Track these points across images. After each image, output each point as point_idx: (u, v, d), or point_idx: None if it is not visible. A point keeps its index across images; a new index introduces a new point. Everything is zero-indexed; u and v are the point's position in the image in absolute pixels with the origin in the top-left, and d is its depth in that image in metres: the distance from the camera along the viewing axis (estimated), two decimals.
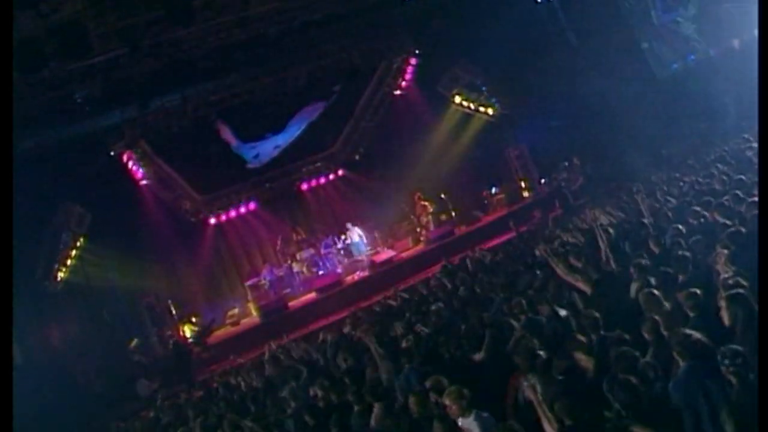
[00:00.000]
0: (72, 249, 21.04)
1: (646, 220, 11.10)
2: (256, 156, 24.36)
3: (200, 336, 19.96)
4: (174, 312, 21.51)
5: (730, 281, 6.30)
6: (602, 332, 7.18)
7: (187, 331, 20.43)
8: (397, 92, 24.50)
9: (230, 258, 24.69)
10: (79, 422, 16.55)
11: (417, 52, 22.67)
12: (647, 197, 12.77)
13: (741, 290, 5.89)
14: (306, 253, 24.26)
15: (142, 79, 19.14)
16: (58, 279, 20.37)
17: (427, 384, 7.44)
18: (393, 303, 14.67)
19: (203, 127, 21.70)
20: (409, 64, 23.36)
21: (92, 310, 20.44)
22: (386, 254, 21.82)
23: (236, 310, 22.64)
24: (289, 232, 25.17)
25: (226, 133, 22.85)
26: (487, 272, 13.57)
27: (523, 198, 23.64)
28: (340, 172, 26.57)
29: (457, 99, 24.96)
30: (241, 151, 23.86)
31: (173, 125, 20.09)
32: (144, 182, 21.89)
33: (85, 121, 19.42)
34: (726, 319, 5.86)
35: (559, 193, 19.70)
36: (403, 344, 9.83)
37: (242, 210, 25.31)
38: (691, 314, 6.44)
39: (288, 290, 23.35)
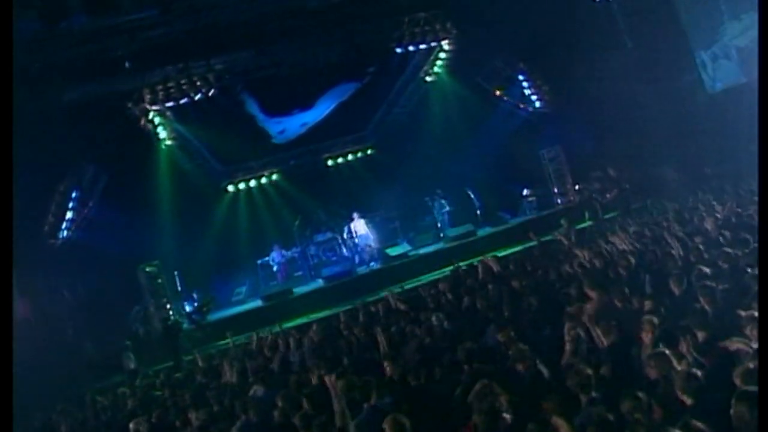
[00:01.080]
0: (83, 209, 20.46)
1: (673, 252, 9.84)
2: (282, 131, 23.41)
3: (196, 313, 19.16)
4: (178, 284, 20.78)
5: (751, 365, 5.03)
6: (593, 394, 6.03)
7: (187, 306, 19.65)
8: (433, 79, 23.22)
9: (246, 233, 23.80)
10: (59, 384, 15.82)
11: (457, 38, 21.33)
12: (680, 223, 11.49)
13: (756, 388, 4.60)
14: (323, 237, 23.38)
15: (170, 42, 18.38)
16: (65, 237, 19.77)
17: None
18: (393, 304, 13.55)
19: (228, 97, 20.71)
20: (448, 50, 22.06)
21: (96, 272, 19.72)
22: (403, 247, 20.74)
23: (244, 289, 21.85)
24: (309, 212, 24.36)
25: (252, 106, 21.88)
26: (496, 282, 12.43)
27: (554, 204, 22.28)
28: (368, 156, 25.54)
29: (498, 92, 23.68)
30: (266, 125, 22.91)
31: (197, 92, 19.13)
32: (162, 147, 21.10)
33: (106, 80, 18.67)
34: (733, 418, 4.62)
35: (590, 204, 18.37)
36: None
37: (264, 184, 24.52)
38: (689, 401, 5.24)
39: (299, 273, 22.54)
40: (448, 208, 22.67)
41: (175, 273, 20.84)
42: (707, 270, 8.25)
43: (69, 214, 19.67)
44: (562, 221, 17.69)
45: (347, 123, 24.33)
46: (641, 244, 11.16)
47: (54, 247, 19.45)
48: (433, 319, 10.87)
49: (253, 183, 24.36)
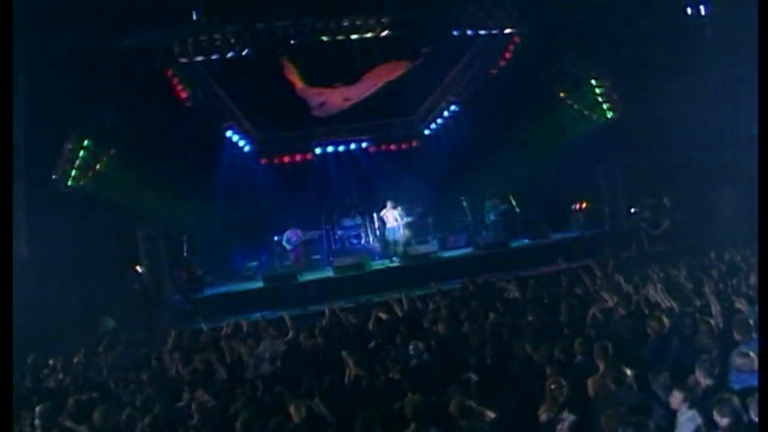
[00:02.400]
0: (101, 157, 19.23)
1: (713, 322, 7.69)
2: (323, 104, 21.65)
3: (187, 284, 17.70)
4: (185, 250, 19.35)
5: None
6: None
7: (184, 274, 18.21)
8: (494, 71, 21.06)
9: (271, 206, 22.24)
10: (31, 335, 14.56)
11: (525, 30, 19.14)
12: (729, 285, 9.30)
13: None
14: (351, 221, 21.65)
15: None
16: (75, 185, 18.57)
17: None
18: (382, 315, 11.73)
19: (266, 61, 19.08)
20: (514, 42, 19.87)
21: (103, 225, 18.41)
22: (426, 247, 18.78)
23: (255, 264, 20.31)
24: (341, 194, 22.65)
25: (292, 73, 20.19)
26: (501, 314, 10.47)
27: (603, 224, 19.95)
28: (413, 144, 23.63)
29: (562, 95, 21.40)
30: (306, 96, 21.19)
31: (229, 49, 17.55)
32: (189, 104, 19.66)
33: (135, 29, 17.38)
34: None
35: (637, 234, 16.06)
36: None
37: (298, 158, 22.91)
38: None
39: (317, 256, 20.88)
40: (503, 207, 20.51)
41: (183, 238, 19.37)
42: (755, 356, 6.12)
43: (80, 162, 18.49)
44: (605, 247, 15.60)
45: (394, 106, 22.42)
46: (680, 300, 8.97)
47: (63, 194, 18.30)
48: (411, 348, 9.03)
49: (287, 155, 22.75)
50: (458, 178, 21.87)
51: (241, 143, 21.93)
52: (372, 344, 10.08)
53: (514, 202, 20.36)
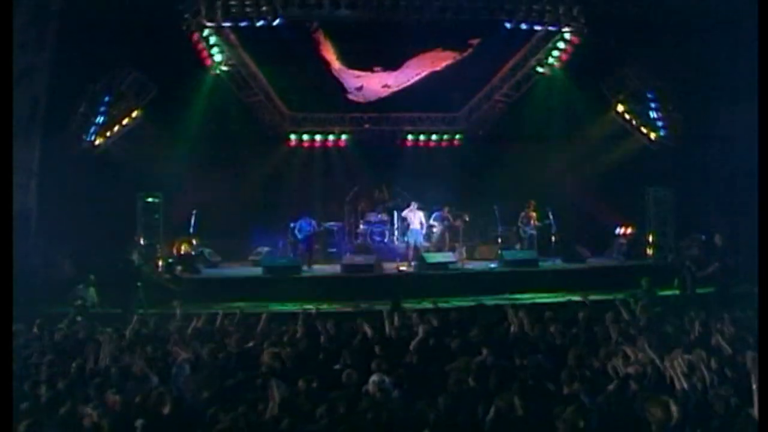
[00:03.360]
0: (122, 118, 18.11)
1: (753, 413, 5.85)
2: (360, 88, 20.06)
3: (181, 262, 16.37)
4: (192, 224, 18.04)
5: None
6: None
7: (184, 249, 16.87)
8: (546, 72, 19.17)
9: (294, 190, 20.88)
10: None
11: (584, 30, 17.19)
12: None
13: None
14: (377, 217, 20.08)
15: None
16: (92, 143, 17.49)
17: None
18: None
19: (300, 34, 17.56)
20: (572, 42, 17.96)
21: (113, 189, 17.30)
22: (445, 255, 17.05)
23: (265, 249, 18.89)
24: (371, 187, 21.10)
25: (328, 51, 18.66)
26: (497, 352, 8.76)
27: (646, 254, 17.92)
28: (455, 142, 21.90)
29: (620, 108, 19.37)
30: (342, 77, 19.65)
31: (259, 17, 16.11)
32: (215, 72, 18.33)
33: None
34: None
35: (680, 273, 14.03)
36: None
37: (329, 143, 21.42)
38: None
39: (334, 249, 19.38)
40: (546, 222, 18.52)
41: (193, 212, 18.07)
42: None
43: (97, 120, 17.36)
44: (642, 282, 13.69)
45: (438, 98, 20.69)
46: (713, 374, 7.12)
47: (77, 151, 17.22)
48: (371, 383, 7.40)
49: (318, 138, 21.30)
50: (494, 183, 20.07)
51: (270, 120, 20.53)
52: (337, 366, 8.47)
53: (551, 217, 18.41)
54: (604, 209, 19.07)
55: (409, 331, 10.17)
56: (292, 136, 21.13)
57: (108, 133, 17.97)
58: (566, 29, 17.23)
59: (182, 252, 16.82)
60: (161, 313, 12.49)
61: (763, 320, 4.97)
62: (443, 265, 16.19)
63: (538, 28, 17.20)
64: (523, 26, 16.92)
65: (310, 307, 12.28)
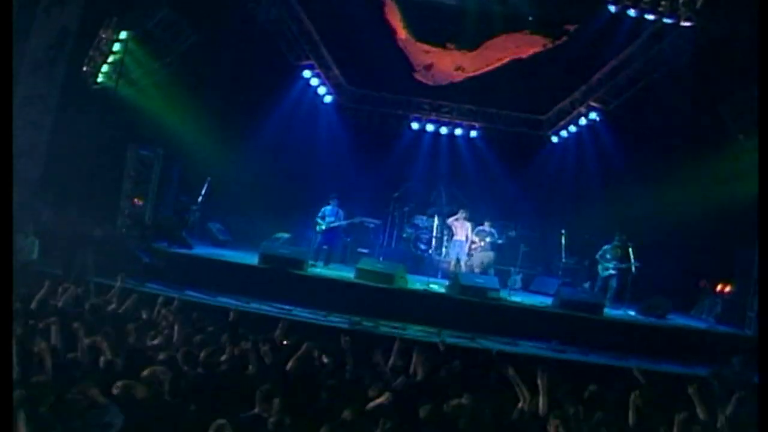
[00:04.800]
0: (141, 58, 15.55)
1: None
2: (429, 67, 16.93)
3: (164, 233, 13.66)
4: (203, 194, 15.36)
5: None
6: None
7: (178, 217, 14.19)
8: (656, 77, 15.42)
9: (334, 172, 17.88)
10: None
11: (714, 27, 13.36)
12: None
13: None
14: (425, 222, 16.92)
15: None
16: (107, 83, 15.06)
17: None
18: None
19: None
20: (693, 42, 14.23)
21: (121, 142, 14.97)
22: (485, 281, 13.54)
23: (286, 236, 16.05)
24: (426, 186, 17.97)
25: (395, 16, 15.70)
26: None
27: (743, 322, 13.82)
28: (535, 149, 18.33)
29: (741, 137, 15.26)
30: (409, 51, 16.56)
31: None
32: (263, 24, 15.68)
33: None
34: None
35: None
36: None
37: (388, 128, 18.30)
38: None
39: (365, 251, 16.34)
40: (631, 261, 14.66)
41: (208, 179, 15.40)
42: None
43: (113, 58, 14.94)
44: (734, 360, 10.12)
45: (520, 95, 17.29)
46: None
47: (89, 91, 14.91)
48: None
49: (375, 119, 18.27)
50: (568, 205, 16.56)
51: (321, 90, 17.66)
52: None
53: (632, 258, 14.66)
54: (700, 257, 15.19)
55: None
56: (346, 114, 18.21)
57: (133, 78, 15.63)
58: (686, 23, 13.49)
59: (175, 220, 14.09)
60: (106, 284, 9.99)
61: (764, 320, 4.63)
62: (480, 291, 12.76)
63: (650, 17, 13.53)
64: (631, 13, 13.36)
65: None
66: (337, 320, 11.25)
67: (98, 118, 14.92)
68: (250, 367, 7.04)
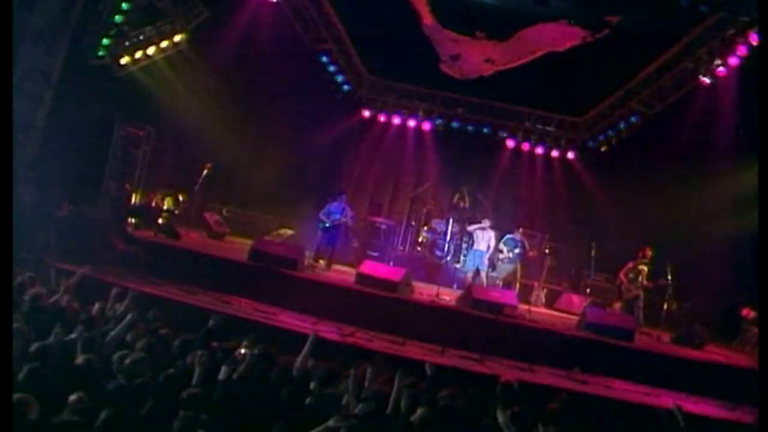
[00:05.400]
0: (162, 39, 14.47)
1: None
2: (456, 57, 15.40)
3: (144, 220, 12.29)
4: (202, 180, 14.01)
5: None
6: None
7: (167, 204, 12.79)
8: (707, 81, 13.70)
9: (349, 166, 16.71)
10: None
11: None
12: None
13: None
14: (442, 226, 15.41)
15: None
16: (107, 58, 13.92)
17: None
18: None
19: None
20: (747, 41, 12.49)
21: (122, 113, 13.78)
22: (510, 297, 11.94)
23: (290, 233, 14.69)
24: (447, 188, 16.48)
25: (420, 2, 14.19)
26: None
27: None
28: (568, 155, 16.73)
29: None
30: (435, 38, 15.06)
31: None
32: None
33: None
34: None
35: None
36: None
37: (411, 123, 16.87)
38: None
39: (375, 254, 14.86)
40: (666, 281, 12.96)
41: (208, 166, 14.05)
42: None
43: (113, 30, 13.75)
44: None
45: (554, 93, 15.69)
46: None
47: (89, 66, 13.71)
48: None
49: (398, 120, 16.83)
50: (602, 216, 14.95)
51: (339, 78, 16.28)
52: None
53: (670, 277, 12.96)
54: (745, 283, 13.39)
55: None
56: (366, 110, 16.82)
57: (138, 55, 14.43)
58: (745, 18, 11.77)
59: (162, 206, 12.71)
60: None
61: (764, 320, 4.04)
62: (495, 307, 11.17)
63: (703, 8, 11.85)
64: (702, 7, 11.64)
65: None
66: (326, 329, 9.78)
67: (96, 94, 13.81)
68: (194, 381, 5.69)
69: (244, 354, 6.58)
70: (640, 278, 12.88)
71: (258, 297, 10.64)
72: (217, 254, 11.82)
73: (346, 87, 16.43)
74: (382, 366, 7.89)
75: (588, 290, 13.77)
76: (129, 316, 6.94)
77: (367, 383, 6.40)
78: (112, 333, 6.66)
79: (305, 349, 6.44)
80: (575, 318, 12.70)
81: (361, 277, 11.48)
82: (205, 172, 13.77)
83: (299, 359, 6.39)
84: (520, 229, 13.93)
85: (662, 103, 14.95)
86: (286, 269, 11.18)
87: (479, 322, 10.90)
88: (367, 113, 16.84)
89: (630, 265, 12.96)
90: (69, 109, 13.48)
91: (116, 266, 10.51)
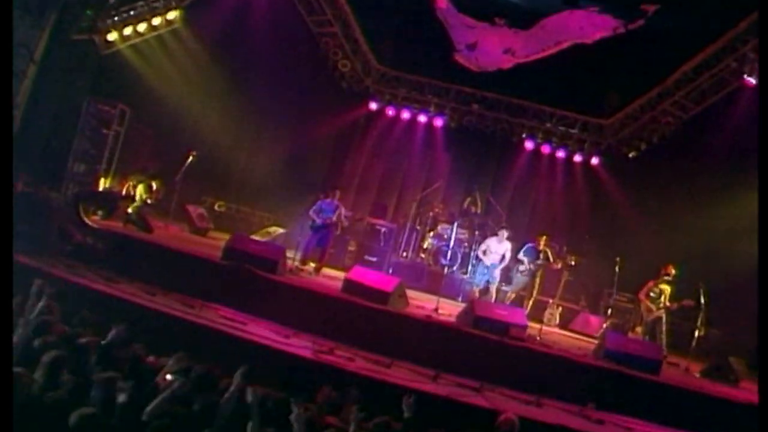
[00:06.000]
0: (154, 16, 13.21)
1: None
2: (473, 46, 13.92)
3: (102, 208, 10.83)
4: (184, 169, 12.54)
5: None
6: None
7: (139, 192, 11.34)
8: (753, 80, 12.06)
9: (352, 162, 15.27)
10: None
11: None
12: None
13: None
14: (448, 232, 13.86)
15: None
16: (88, 33, 12.70)
17: None
18: None
19: None
20: None
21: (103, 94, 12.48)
22: (519, 316, 10.34)
23: (280, 231, 13.23)
24: (458, 191, 15.00)
25: None
26: None
27: None
28: (592, 160, 15.18)
29: None
30: (451, 24, 13.58)
31: None
32: None
33: None
34: None
35: None
36: None
37: (421, 118, 15.41)
38: None
39: (373, 259, 13.37)
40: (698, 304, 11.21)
41: (192, 154, 12.56)
42: None
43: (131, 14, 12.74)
44: None
45: (580, 92, 14.13)
46: None
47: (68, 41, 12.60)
48: None
49: (407, 114, 15.40)
50: (627, 228, 13.38)
51: (344, 67, 14.85)
52: None
53: (703, 300, 11.31)
54: None
55: None
56: (373, 103, 15.40)
57: (127, 31, 13.16)
58: None
59: (134, 194, 11.26)
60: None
61: (764, 320, 4.60)
62: (501, 327, 9.61)
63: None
64: None
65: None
66: (299, 344, 8.30)
67: (78, 72, 12.58)
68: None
69: (170, 380, 5.14)
70: (662, 298, 11.27)
71: (228, 302, 9.19)
72: (189, 251, 10.34)
73: (352, 76, 15.00)
74: (354, 398, 6.49)
75: (609, 311, 12.13)
76: (39, 319, 5.60)
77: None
78: (14, 338, 5.29)
79: (232, 386, 4.94)
80: (592, 342, 11.13)
81: (349, 285, 9.96)
82: (189, 159, 12.33)
83: (225, 399, 4.89)
84: (544, 238, 12.30)
85: (699, 106, 13.42)
86: (263, 271, 9.70)
87: (481, 344, 9.33)
88: (374, 106, 15.47)
89: (651, 284, 11.34)
90: (50, 87, 12.35)
91: (71, 258, 9.17)
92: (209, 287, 9.49)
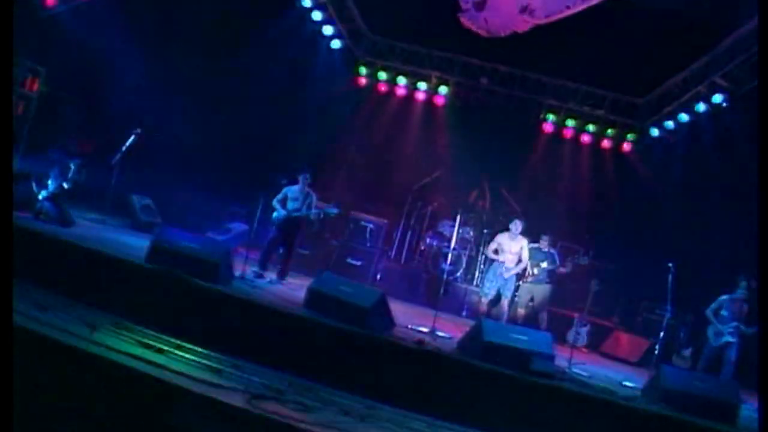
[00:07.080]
0: None
1: None
2: (481, 5, 11.16)
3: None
4: (126, 147, 9.89)
5: None
6: None
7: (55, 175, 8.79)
8: None
9: (336, 147, 12.86)
10: None
11: None
12: None
13: None
14: (450, 229, 11.18)
15: None
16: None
17: None
18: None
19: None
20: None
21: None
22: (543, 342, 7.42)
23: (239, 227, 10.67)
24: (464, 181, 12.45)
25: None
26: None
27: None
28: (624, 146, 12.74)
29: None
30: None
31: None
32: None
33: None
34: None
35: None
36: None
37: (419, 95, 13.10)
38: None
39: (357, 263, 10.76)
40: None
41: (135, 131, 9.92)
42: None
43: None
44: None
45: (610, 64, 11.49)
46: None
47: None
48: None
49: (403, 84, 12.96)
50: (670, 228, 10.80)
51: (328, 30, 12.31)
52: None
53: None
54: None
55: None
56: (363, 71, 12.94)
57: None
58: None
59: (47, 179, 8.70)
60: None
61: (764, 320, 4.80)
62: (518, 356, 6.91)
63: None
64: None
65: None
66: (247, 378, 5.72)
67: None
68: None
69: None
70: (733, 320, 8.65)
71: (146, 321, 6.64)
72: (108, 251, 7.69)
73: (336, 42, 12.47)
74: None
75: (662, 335, 9.33)
76: None
77: None
78: None
79: None
80: (629, 368, 8.51)
81: (314, 298, 7.31)
82: (131, 138, 9.73)
83: None
84: (546, 237, 9.83)
85: (753, 82, 10.69)
86: (198, 278, 7.06)
87: (491, 380, 6.68)
88: (363, 80, 12.99)
89: (721, 298, 8.73)
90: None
91: None
92: (128, 299, 6.95)
